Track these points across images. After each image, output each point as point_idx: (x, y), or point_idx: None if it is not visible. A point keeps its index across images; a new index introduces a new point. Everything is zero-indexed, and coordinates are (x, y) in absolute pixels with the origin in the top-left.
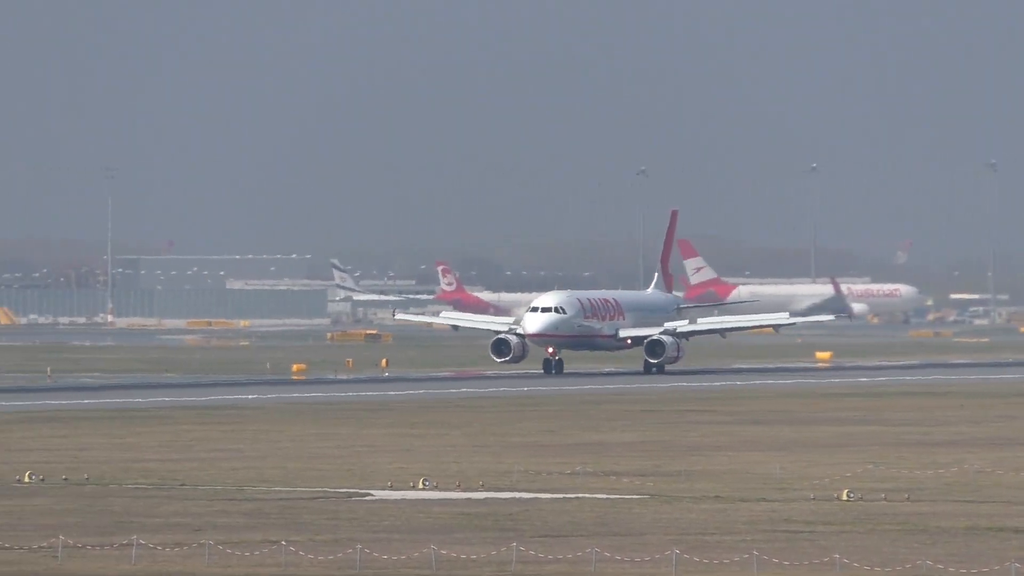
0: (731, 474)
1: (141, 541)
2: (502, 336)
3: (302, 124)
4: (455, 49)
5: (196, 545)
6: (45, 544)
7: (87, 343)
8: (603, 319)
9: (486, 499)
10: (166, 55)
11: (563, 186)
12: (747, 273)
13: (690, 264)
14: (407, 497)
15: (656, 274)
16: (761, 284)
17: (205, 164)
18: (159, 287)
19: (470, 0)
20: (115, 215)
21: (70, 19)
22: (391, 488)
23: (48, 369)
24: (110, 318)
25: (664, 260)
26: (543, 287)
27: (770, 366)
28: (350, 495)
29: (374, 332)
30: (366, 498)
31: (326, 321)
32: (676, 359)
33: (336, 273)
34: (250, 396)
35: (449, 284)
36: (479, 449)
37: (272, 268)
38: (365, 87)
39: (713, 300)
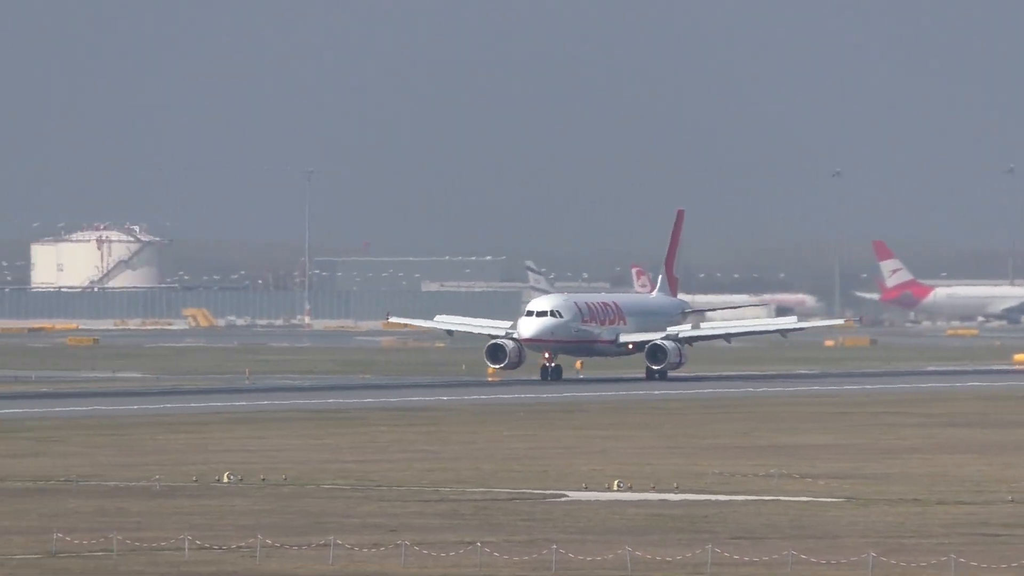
0: (928, 476)
1: (338, 541)
2: (498, 341)
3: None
4: (658, 50)
5: (392, 546)
6: (243, 544)
7: (284, 344)
8: (603, 323)
9: (680, 501)
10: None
11: (759, 189)
12: (943, 275)
13: (886, 266)
14: (602, 498)
15: (660, 277)
16: (958, 285)
17: (403, 166)
18: (355, 288)
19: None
20: (313, 217)
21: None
22: (586, 489)
23: (247, 370)
24: (307, 320)
25: (669, 262)
26: (737, 289)
27: (963, 368)
28: (545, 496)
29: None
30: (561, 499)
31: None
32: (678, 365)
33: (531, 275)
34: (445, 398)
35: (643, 286)
36: (673, 451)
37: (467, 270)
38: (557, 88)
39: (910, 302)
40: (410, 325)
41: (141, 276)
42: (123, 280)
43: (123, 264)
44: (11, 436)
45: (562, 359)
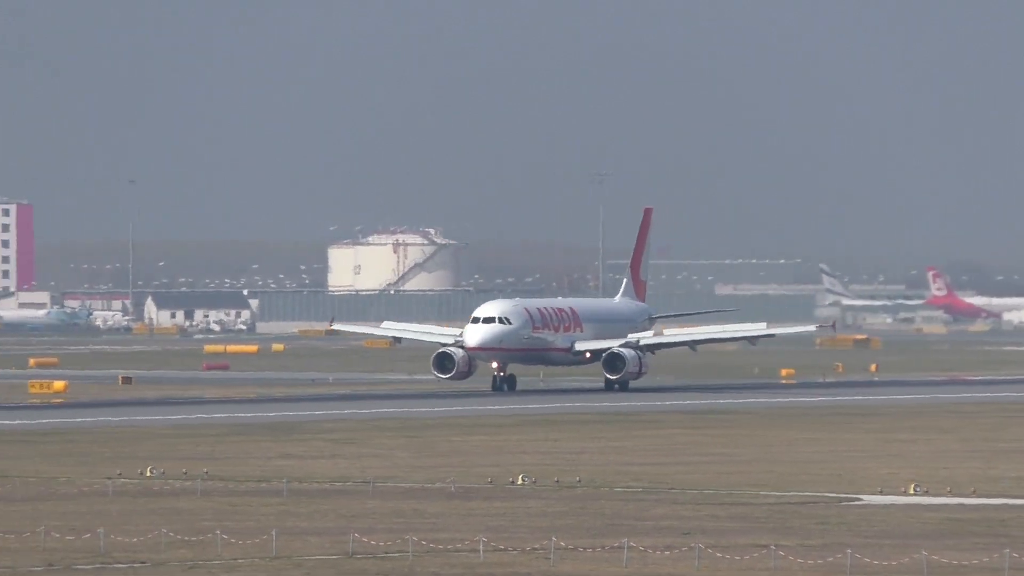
0: None
1: (631, 544)
2: (445, 350)
3: None
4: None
5: (686, 548)
6: (537, 546)
7: None
8: (557, 330)
9: (978, 505)
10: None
11: None
12: None
13: None
14: (897, 502)
15: (624, 280)
16: None
17: (695, 169)
18: (649, 292)
19: None
20: (608, 219)
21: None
22: (881, 493)
23: (540, 372)
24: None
25: (635, 265)
26: None
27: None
28: (839, 500)
29: (863, 337)
30: (855, 503)
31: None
32: (638, 374)
33: (825, 278)
34: (739, 400)
35: (939, 289)
36: (971, 455)
37: (761, 273)
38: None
39: None
40: (355, 332)
41: (436, 279)
42: (418, 283)
43: (418, 267)
44: (309, 438)
45: (516, 368)
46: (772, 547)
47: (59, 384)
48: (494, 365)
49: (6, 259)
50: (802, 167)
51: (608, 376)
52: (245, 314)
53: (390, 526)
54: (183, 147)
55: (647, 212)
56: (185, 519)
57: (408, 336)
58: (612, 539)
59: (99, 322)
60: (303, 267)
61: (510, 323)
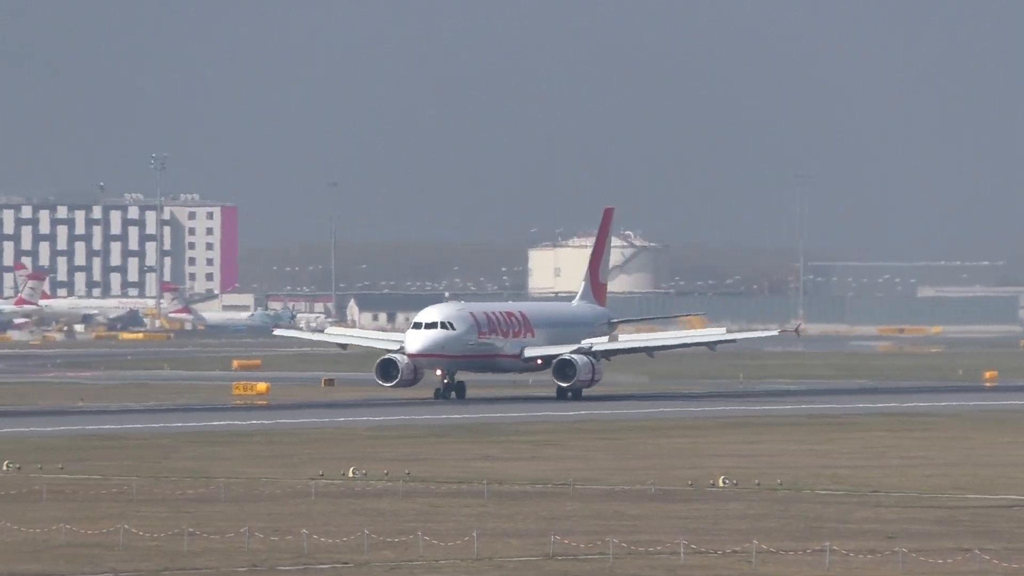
0: None
1: (834, 547)
2: (390, 356)
3: None
4: None
5: (889, 552)
6: (738, 549)
7: (778, 349)
8: (506, 335)
9: None
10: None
11: None
12: None
13: None
14: None
15: (583, 283)
16: None
17: (904, 170)
18: (850, 294)
19: None
20: (809, 221)
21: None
22: None
23: (740, 375)
24: (801, 324)
25: (594, 266)
26: None
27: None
28: None
29: None
30: None
31: (1018, 328)
32: (591, 382)
33: None
34: (943, 403)
35: None
36: None
37: (964, 275)
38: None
39: None
40: (297, 337)
41: (636, 281)
42: (618, 285)
43: (618, 269)
44: (509, 440)
45: (464, 375)
46: (976, 551)
47: (262, 386)
48: (438, 372)
49: (210, 261)
50: (1006, 167)
51: (559, 384)
52: None
53: (590, 528)
54: (384, 150)
55: (607, 212)
56: (387, 520)
57: (353, 342)
58: (814, 542)
59: (302, 324)
60: (503, 269)
61: (453, 328)
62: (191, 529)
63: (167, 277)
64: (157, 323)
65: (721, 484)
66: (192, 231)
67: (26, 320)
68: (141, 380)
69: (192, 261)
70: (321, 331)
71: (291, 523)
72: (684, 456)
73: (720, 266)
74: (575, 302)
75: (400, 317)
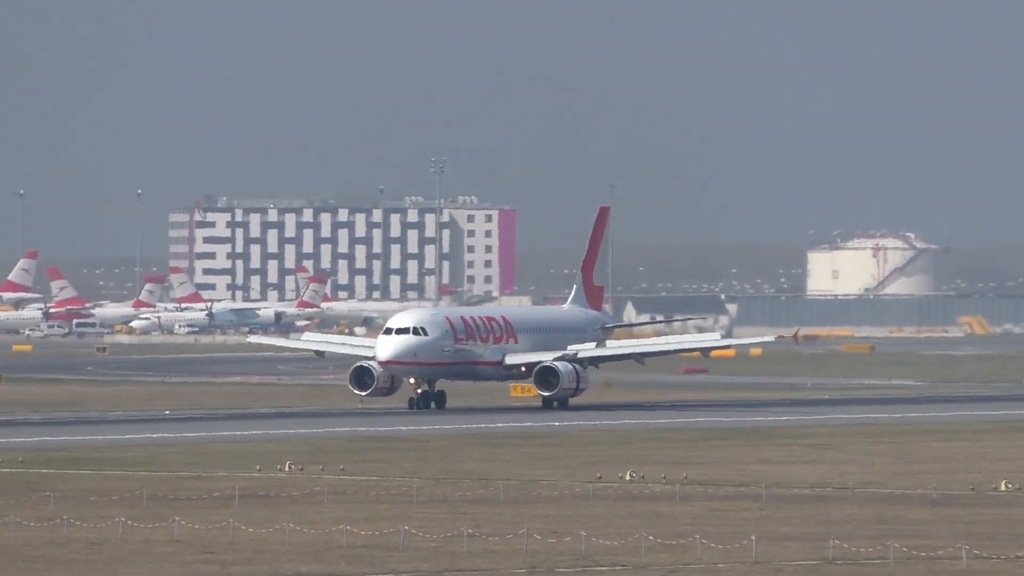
0: None
1: None
2: (364, 364)
3: None
4: None
5: None
6: (1022, 554)
7: None
8: (485, 341)
9: None
10: None
11: None
12: None
13: None
14: None
15: (575, 286)
16: None
17: None
18: None
19: None
20: None
21: None
22: None
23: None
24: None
25: (587, 268)
26: None
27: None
28: None
29: None
30: None
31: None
32: (576, 391)
33: None
34: None
35: None
36: None
37: None
38: None
39: None
40: (273, 345)
41: (916, 284)
42: (898, 287)
43: (898, 271)
44: (787, 442)
45: (444, 384)
46: None
47: None
48: (411, 381)
49: (488, 264)
50: None
51: (541, 392)
52: (723, 319)
53: (870, 532)
54: (661, 153)
55: (602, 211)
56: (664, 523)
57: (329, 349)
58: None
59: None
60: (781, 271)
61: (426, 334)
62: (470, 530)
63: (446, 279)
64: None
65: (1003, 488)
66: (471, 234)
67: (308, 323)
68: None
69: (470, 264)
70: (773, 336)
71: (569, 525)
72: (966, 460)
73: (1002, 267)
74: (566, 305)
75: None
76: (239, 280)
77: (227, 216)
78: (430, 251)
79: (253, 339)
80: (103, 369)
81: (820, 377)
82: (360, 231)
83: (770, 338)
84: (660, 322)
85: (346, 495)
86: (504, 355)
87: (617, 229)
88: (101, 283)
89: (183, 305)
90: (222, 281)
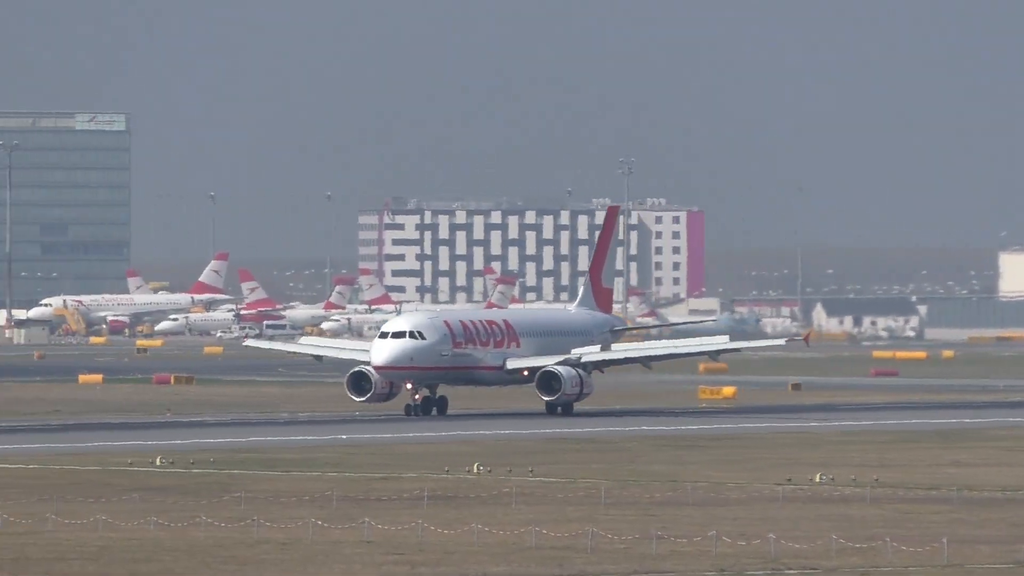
0: None
1: None
2: (361, 369)
3: None
4: None
5: None
6: None
7: None
8: (486, 346)
9: None
10: None
11: None
12: None
13: None
14: None
15: (581, 288)
16: None
17: None
18: None
19: None
20: None
21: None
22: None
23: None
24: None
25: (595, 269)
26: None
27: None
28: None
29: None
30: None
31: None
32: (579, 396)
33: None
34: None
35: None
36: None
37: None
38: None
39: None
40: (272, 350)
41: None
42: None
43: None
44: (979, 445)
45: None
46: None
47: (728, 390)
48: (408, 386)
49: (676, 265)
50: None
51: (543, 397)
52: (913, 320)
53: None
54: (851, 152)
55: (611, 211)
56: (854, 525)
57: (327, 354)
58: None
59: (768, 328)
60: (972, 272)
61: (423, 338)
62: (659, 532)
63: (634, 281)
64: None
65: None
66: (659, 235)
67: None
68: (608, 385)
69: (658, 265)
70: (786, 337)
71: (758, 528)
72: None
73: None
74: (572, 308)
75: (866, 321)
76: (428, 282)
77: (416, 218)
78: (618, 252)
79: (249, 343)
80: (294, 370)
81: (1012, 379)
82: (548, 233)
83: (781, 341)
84: (664, 326)
85: (534, 496)
86: (505, 359)
87: (804, 230)
88: (291, 285)
89: (373, 307)
90: (411, 283)
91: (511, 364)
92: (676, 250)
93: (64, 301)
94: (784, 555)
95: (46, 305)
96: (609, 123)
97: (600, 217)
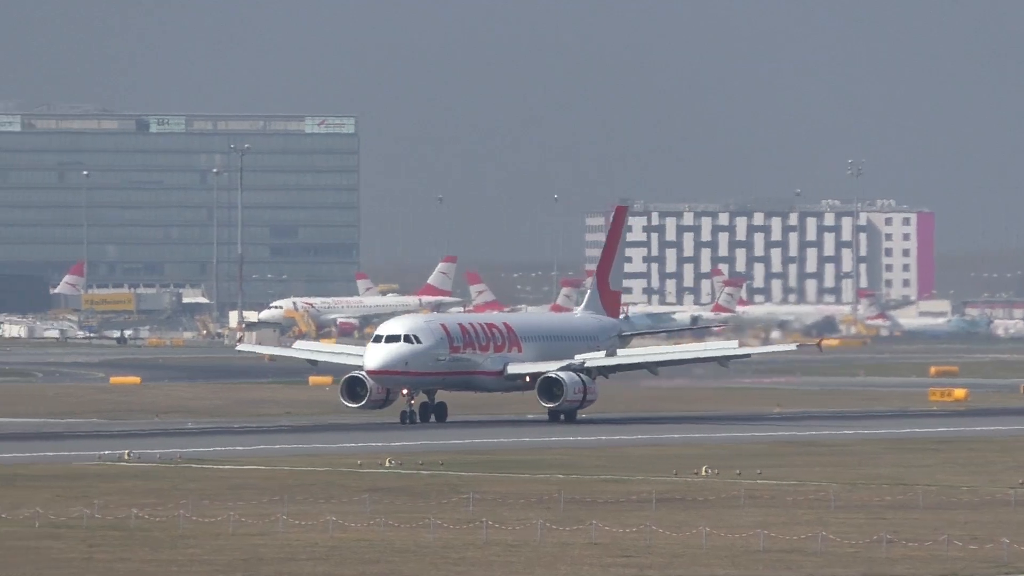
0: None
1: None
2: (356, 374)
3: None
4: None
5: None
6: None
7: None
8: (486, 350)
9: None
10: None
11: None
12: None
13: None
14: None
15: (588, 290)
16: None
17: None
18: None
19: None
20: None
21: None
22: None
23: None
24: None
25: (602, 271)
26: None
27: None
28: None
29: None
30: None
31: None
32: (582, 403)
33: None
34: None
35: None
36: None
37: None
38: None
39: None
40: (266, 354)
41: None
42: None
43: None
44: None
45: (443, 395)
46: None
47: (959, 392)
48: (403, 393)
49: (907, 267)
50: None
51: (544, 405)
52: None
53: None
54: None
55: (620, 211)
56: None
57: (322, 358)
58: None
59: (999, 331)
60: None
61: (418, 342)
62: (889, 536)
63: (863, 283)
64: (853, 329)
65: None
66: (888, 237)
67: (723, 326)
68: (835, 387)
69: (888, 267)
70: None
71: (990, 532)
72: None
73: None
74: (578, 312)
75: None
76: (654, 284)
77: (643, 220)
78: (846, 254)
79: (241, 347)
80: None
81: None
82: (776, 234)
83: (792, 346)
84: (674, 330)
85: (763, 499)
86: (506, 364)
87: None
88: (519, 287)
89: None
90: (638, 285)
91: (512, 369)
92: (906, 252)
93: (294, 303)
94: (1017, 560)
95: (276, 308)
96: (838, 123)
97: (829, 220)
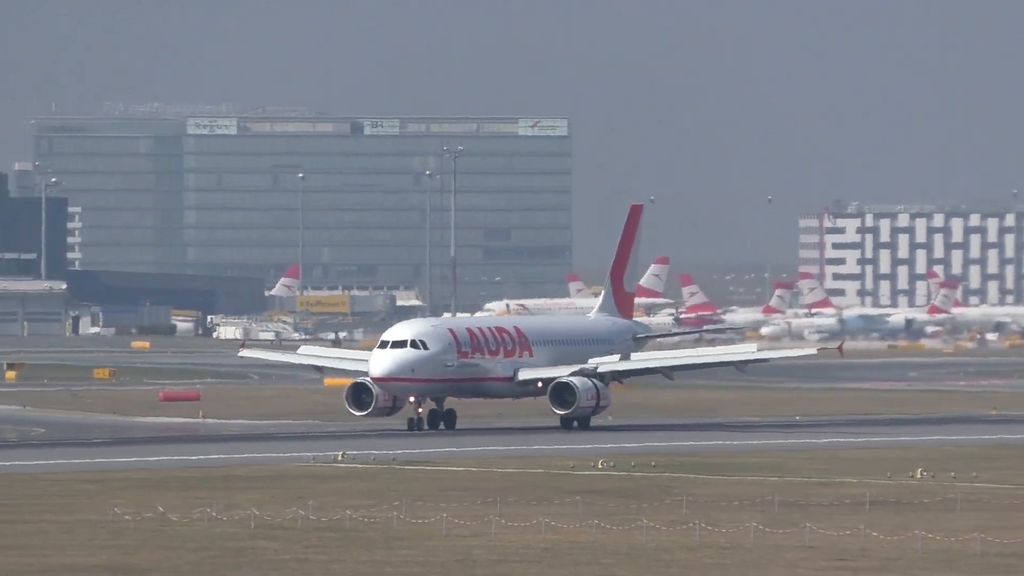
0: None
1: None
2: (362, 381)
3: None
4: None
5: None
6: None
7: None
8: (495, 355)
9: None
10: None
11: None
12: None
13: None
14: None
15: (603, 292)
16: None
17: None
18: None
19: None
20: None
21: None
22: None
23: None
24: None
25: (617, 272)
26: None
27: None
28: None
29: None
30: None
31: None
32: (595, 409)
33: None
34: None
35: None
36: None
37: None
38: None
39: None
40: (266, 359)
41: None
42: None
43: None
44: None
45: (452, 402)
46: None
47: None
48: (411, 399)
49: None
50: None
51: (557, 411)
52: None
53: None
54: None
55: (635, 209)
56: None
57: (326, 364)
58: None
59: None
60: None
61: (425, 347)
62: None
63: None
64: None
65: None
66: None
67: (938, 328)
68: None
69: None
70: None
71: None
72: None
73: None
74: (592, 314)
75: None
76: (868, 286)
77: (857, 221)
78: None
79: (243, 353)
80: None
81: None
82: (992, 236)
83: (813, 350)
84: (698, 332)
85: (980, 503)
86: (517, 370)
87: None
88: (731, 288)
89: (813, 311)
90: (852, 287)
91: (523, 375)
92: None
93: (507, 305)
94: None
95: (489, 310)
96: None
97: None
